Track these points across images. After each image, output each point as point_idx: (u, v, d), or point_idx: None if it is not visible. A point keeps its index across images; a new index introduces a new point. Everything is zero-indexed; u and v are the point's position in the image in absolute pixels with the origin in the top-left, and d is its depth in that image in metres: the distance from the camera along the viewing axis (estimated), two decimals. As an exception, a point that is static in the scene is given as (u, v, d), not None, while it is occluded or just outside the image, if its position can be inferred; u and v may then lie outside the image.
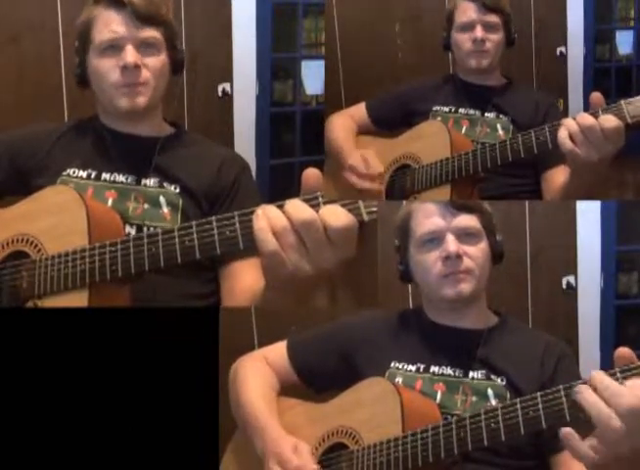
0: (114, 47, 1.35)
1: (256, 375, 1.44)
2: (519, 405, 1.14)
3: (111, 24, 1.36)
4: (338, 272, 0.97)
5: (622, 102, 1.38)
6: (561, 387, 1.07)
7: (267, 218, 0.95)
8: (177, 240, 1.07)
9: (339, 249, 0.95)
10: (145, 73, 1.36)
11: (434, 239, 1.37)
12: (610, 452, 0.96)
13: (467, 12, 1.75)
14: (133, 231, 1.33)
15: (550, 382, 1.32)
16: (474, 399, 1.32)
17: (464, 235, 1.36)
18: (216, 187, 1.41)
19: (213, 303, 1.41)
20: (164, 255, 1.08)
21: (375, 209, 0.96)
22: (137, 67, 1.34)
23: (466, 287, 1.35)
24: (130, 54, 1.34)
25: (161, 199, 1.37)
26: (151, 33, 1.37)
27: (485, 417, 1.17)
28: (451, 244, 1.34)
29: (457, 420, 1.20)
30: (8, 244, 1.20)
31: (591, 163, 1.37)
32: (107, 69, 1.36)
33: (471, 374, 1.34)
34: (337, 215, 0.94)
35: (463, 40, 1.75)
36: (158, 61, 1.38)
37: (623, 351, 1.01)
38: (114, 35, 1.35)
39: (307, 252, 0.95)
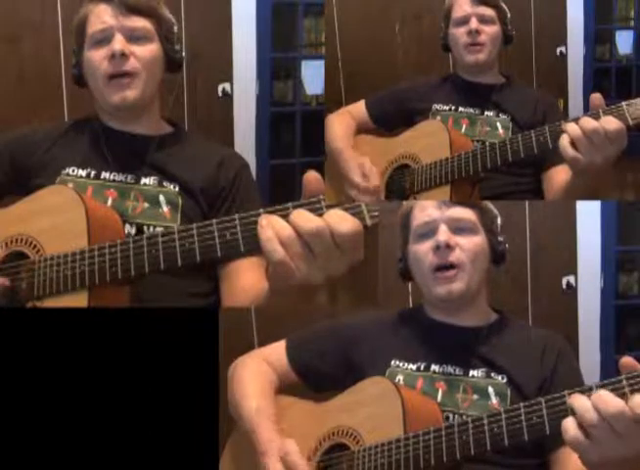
0: (105, 39, 1.37)
1: (255, 373, 1.44)
2: (522, 410, 1.13)
3: (101, 17, 1.37)
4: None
5: (624, 103, 1.37)
6: (565, 392, 1.07)
7: (273, 228, 0.95)
8: (177, 242, 1.06)
9: (347, 254, 0.94)
10: (133, 62, 1.36)
11: (429, 230, 1.36)
12: (603, 455, 0.96)
13: (462, 6, 1.76)
14: (133, 230, 1.33)
15: (550, 378, 1.32)
16: (474, 397, 1.31)
17: (458, 227, 1.36)
18: (216, 186, 1.41)
19: (214, 301, 1.41)
20: (164, 257, 1.07)
21: (377, 213, 0.96)
22: (125, 55, 1.35)
23: (456, 286, 1.34)
24: (118, 42, 1.35)
25: (161, 198, 1.37)
26: (140, 23, 1.38)
27: (489, 421, 1.16)
28: (442, 234, 1.34)
29: (459, 423, 1.19)
30: (7, 244, 1.19)
31: (594, 166, 1.37)
32: (97, 60, 1.37)
33: (471, 372, 1.34)
34: (343, 221, 0.94)
35: (459, 34, 1.76)
36: (147, 50, 1.38)
37: (628, 361, 1.00)
38: (104, 26, 1.37)
39: (316, 260, 0.94)
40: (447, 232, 1.34)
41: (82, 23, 1.39)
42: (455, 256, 1.34)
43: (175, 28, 1.44)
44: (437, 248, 1.34)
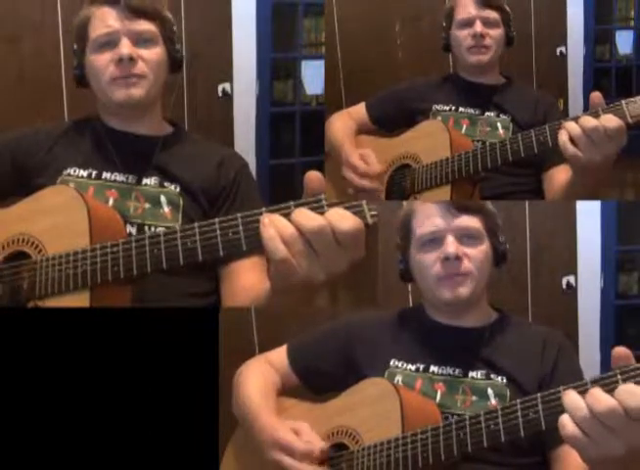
0: (110, 42, 1.36)
1: (257, 374, 1.45)
2: (518, 406, 1.13)
3: (106, 20, 1.37)
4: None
5: (623, 101, 1.38)
6: (561, 388, 1.07)
7: (275, 227, 0.95)
8: (179, 241, 1.06)
9: (348, 252, 0.95)
10: (141, 66, 1.36)
11: (435, 240, 1.36)
12: (601, 452, 0.96)
13: (466, 8, 1.76)
14: (134, 231, 1.33)
15: (551, 374, 1.32)
16: (474, 398, 1.31)
17: (465, 236, 1.36)
18: (216, 186, 1.41)
19: (214, 301, 1.41)
20: (167, 256, 1.07)
21: (376, 212, 0.97)
22: (132, 59, 1.35)
23: (464, 290, 1.34)
24: (125, 46, 1.35)
25: (162, 198, 1.37)
26: (146, 26, 1.38)
27: (485, 418, 1.17)
28: (450, 245, 1.34)
29: (457, 421, 1.20)
30: (8, 244, 1.19)
31: (594, 164, 1.37)
32: (103, 63, 1.36)
33: (471, 374, 1.34)
34: (344, 218, 0.94)
35: (463, 36, 1.76)
36: (153, 53, 1.38)
37: (621, 350, 1.00)
38: (109, 29, 1.36)
39: (318, 259, 0.95)
40: (455, 243, 1.34)
41: (84, 25, 1.39)
42: (464, 267, 1.34)
43: (175, 29, 1.44)
44: (446, 259, 1.34)
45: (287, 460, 1.25)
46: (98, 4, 1.38)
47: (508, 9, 1.76)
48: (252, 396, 1.39)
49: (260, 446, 1.30)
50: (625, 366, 0.98)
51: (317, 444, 1.25)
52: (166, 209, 1.36)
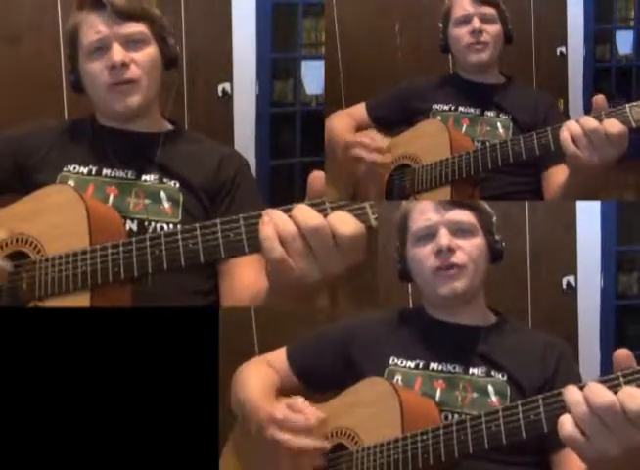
0: (102, 48, 1.36)
1: (257, 373, 1.45)
2: (520, 408, 1.13)
3: (95, 27, 1.36)
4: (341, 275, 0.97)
5: (627, 105, 1.37)
6: (562, 390, 1.07)
7: (274, 225, 0.95)
8: (181, 243, 1.06)
9: (347, 255, 0.94)
10: (134, 70, 1.36)
11: (429, 234, 1.37)
12: (597, 452, 0.95)
13: (463, 5, 1.75)
14: (134, 227, 1.33)
15: (552, 379, 1.32)
16: (474, 395, 1.31)
17: (458, 230, 1.37)
18: (216, 183, 1.41)
19: (215, 299, 1.41)
20: (168, 257, 1.07)
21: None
22: (125, 64, 1.34)
23: (459, 285, 1.35)
24: (117, 52, 1.34)
25: (162, 194, 1.37)
26: (135, 28, 1.37)
27: (486, 420, 1.16)
28: (444, 237, 1.35)
29: (457, 422, 1.20)
30: (7, 244, 1.19)
31: (592, 165, 1.37)
32: (96, 71, 1.36)
33: (471, 370, 1.34)
34: (345, 223, 0.94)
35: (461, 34, 1.76)
36: (146, 55, 1.38)
37: (622, 352, 1.00)
38: (99, 36, 1.35)
39: (315, 258, 0.94)
40: (448, 235, 1.35)
41: (74, 31, 1.38)
42: (457, 257, 1.35)
43: (166, 25, 1.42)
44: (440, 251, 1.34)
45: (284, 436, 1.23)
46: (85, 10, 1.37)
47: (504, 6, 1.76)
48: (253, 392, 1.39)
49: (258, 427, 1.28)
50: (628, 369, 0.98)
51: (312, 415, 1.23)
52: (167, 204, 1.36)
